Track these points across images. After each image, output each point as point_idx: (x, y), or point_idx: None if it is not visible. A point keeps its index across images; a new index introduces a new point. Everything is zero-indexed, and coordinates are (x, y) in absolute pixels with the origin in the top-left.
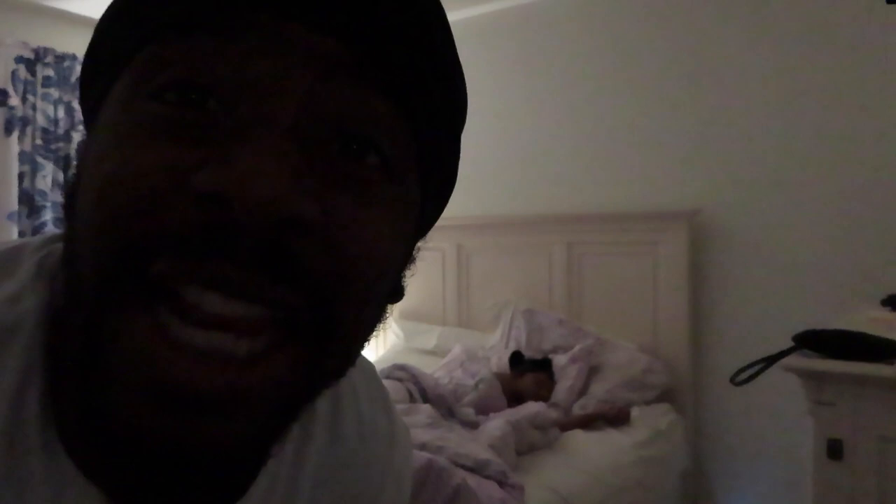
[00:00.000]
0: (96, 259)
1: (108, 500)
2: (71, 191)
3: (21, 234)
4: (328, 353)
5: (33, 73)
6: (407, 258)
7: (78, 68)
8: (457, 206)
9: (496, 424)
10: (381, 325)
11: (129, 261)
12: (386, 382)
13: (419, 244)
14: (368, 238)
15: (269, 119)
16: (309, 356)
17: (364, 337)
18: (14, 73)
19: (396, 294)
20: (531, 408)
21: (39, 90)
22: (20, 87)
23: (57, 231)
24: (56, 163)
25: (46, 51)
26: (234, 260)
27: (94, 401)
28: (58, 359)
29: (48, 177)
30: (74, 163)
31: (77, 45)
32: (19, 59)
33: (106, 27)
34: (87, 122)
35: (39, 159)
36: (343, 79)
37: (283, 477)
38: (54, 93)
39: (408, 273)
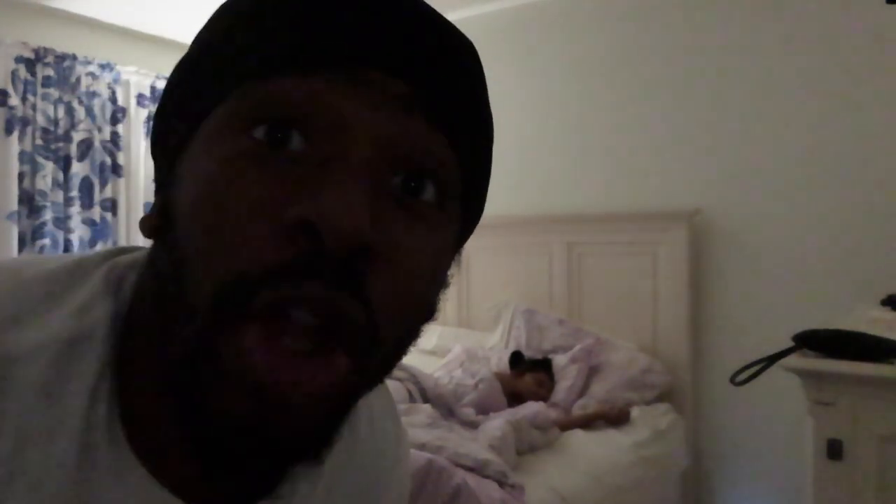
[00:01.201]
0: (210, 286)
1: (166, 491)
2: (162, 212)
3: (21, 234)
4: (374, 362)
5: (33, 73)
6: (445, 280)
7: (78, 68)
8: None
9: (496, 424)
10: (416, 341)
11: (241, 290)
12: (386, 382)
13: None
14: (419, 264)
15: (349, 154)
16: (360, 362)
17: (402, 350)
18: (14, 73)
19: (431, 314)
20: (531, 408)
21: (39, 90)
22: (20, 87)
23: (112, 247)
24: (56, 163)
25: (46, 51)
26: (322, 281)
27: (199, 398)
28: (128, 362)
29: (48, 177)
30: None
31: (77, 45)
32: (19, 59)
33: (192, 68)
34: (166, 155)
35: (39, 159)
36: (411, 118)
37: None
38: (54, 93)
39: (443, 295)
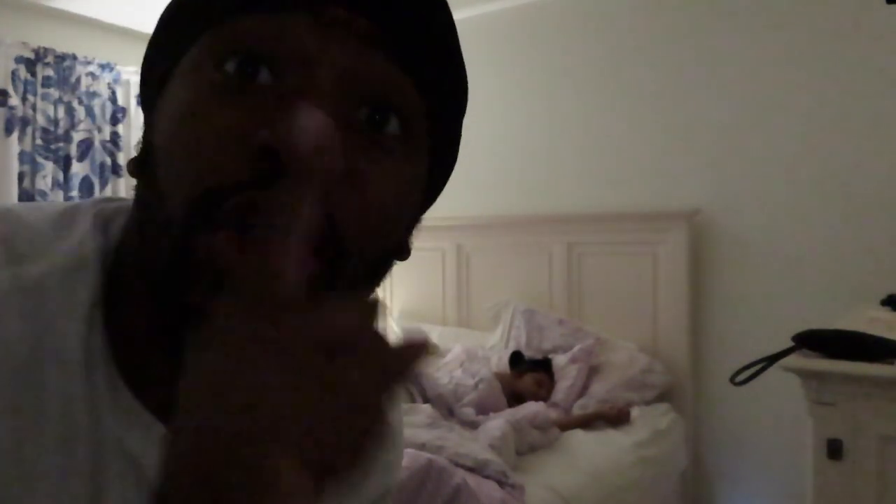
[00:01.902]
0: (183, 198)
1: (149, 414)
2: (144, 150)
3: None
4: (343, 274)
5: (33, 73)
6: (414, 220)
7: (78, 68)
8: (457, 206)
9: (496, 424)
10: (386, 275)
11: (210, 199)
12: None
13: (422, 220)
14: (383, 188)
15: (314, 86)
16: (328, 268)
17: (370, 277)
18: (14, 73)
19: (403, 251)
20: (531, 408)
21: (39, 90)
22: (20, 87)
23: (102, 196)
24: (56, 163)
25: (46, 51)
26: (285, 197)
27: (178, 300)
28: (116, 294)
29: (48, 177)
30: (143, 128)
31: (77, 45)
32: (19, 59)
33: (171, 16)
34: (149, 98)
35: (39, 159)
36: (374, 54)
37: None
38: (54, 93)
39: (414, 235)
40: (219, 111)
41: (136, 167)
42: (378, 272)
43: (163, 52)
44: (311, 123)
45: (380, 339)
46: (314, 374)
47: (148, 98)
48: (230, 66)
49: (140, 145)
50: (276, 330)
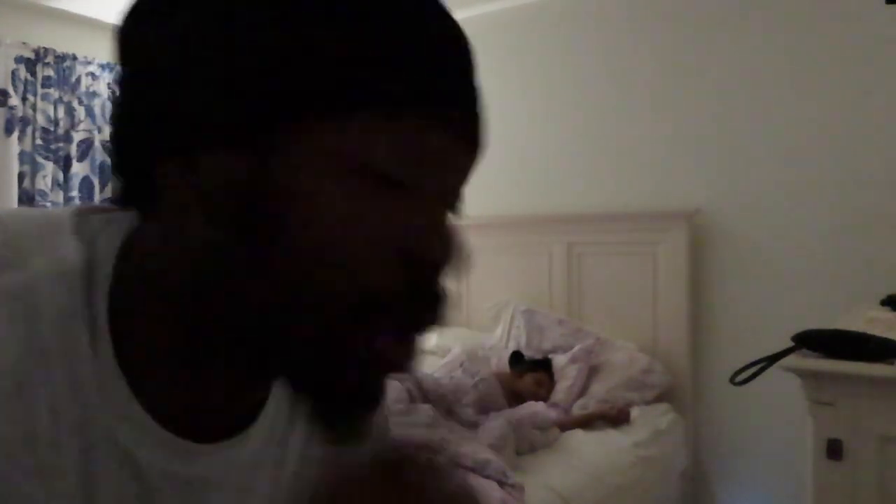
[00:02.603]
0: (337, 301)
1: (146, 413)
2: (242, 205)
3: None
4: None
5: (33, 73)
6: None
7: (78, 68)
8: None
9: (496, 424)
10: None
11: (363, 309)
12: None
13: None
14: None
15: (445, 195)
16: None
17: None
18: (14, 73)
19: None
20: (531, 408)
21: (39, 90)
22: (20, 87)
23: (81, 205)
24: (56, 163)
25: (46, 51)
26: (423, 304)
27: (313, 374)
28: (124, 310)
29: (48, 177)
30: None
31: (77, 45)
32: (19, 59)
33: (292, 62)
34: (246, 128)
35: (39, 159)
36: (475, 153)
37: (282, 411)
38: (54, 93)
39: None
40: (370, 217)
41: (221, 209)
42: None
43: (265, 97)
44: (452, 238)
45: None
46: None
47: (239, 137)
48: (375, 166)
49: (238, 196)
50: None
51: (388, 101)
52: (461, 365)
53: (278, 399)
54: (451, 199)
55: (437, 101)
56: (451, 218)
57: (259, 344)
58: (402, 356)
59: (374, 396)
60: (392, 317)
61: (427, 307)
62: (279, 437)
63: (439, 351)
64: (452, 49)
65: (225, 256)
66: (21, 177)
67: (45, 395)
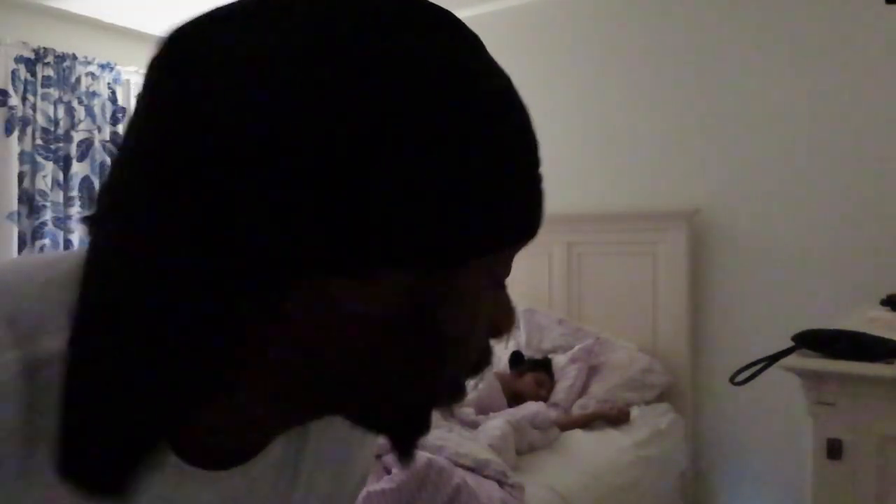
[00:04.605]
0: (449, 376)
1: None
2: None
3: (21, 234)
4: None
5: (33, 73)
6: None
7: (78, 68)
8: None
9: (496, 424)
10: None
11: (457, 380)
12: None
13: None
14: None
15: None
16: None
17: None
18: (14, 73)
19: None
20: (531, 408)
21: (39, 90)
22: (20, 87)
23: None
24: (56, 163)
25: (46, 51)
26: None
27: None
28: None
29: (48, 177)
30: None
31: (77, 45)
32: (19, 59)
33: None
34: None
35: (39, 159)
36: None
37: (293, 438)
38: (54, 93)
39: None
40: (487, 313)
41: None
42: None
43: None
44: (514, 311)
45: None
46: None
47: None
48: (498, 281)
49: (421, 313)
50: None
51: (514, 237)
52: None
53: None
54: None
55: (536, 224)
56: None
57: (377, 410)
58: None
59: (429, 424)
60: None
61: (487, 363)
62: (292, 461)
63: None
64: (537, 163)
65: (392, 358)
66: (21, 177)
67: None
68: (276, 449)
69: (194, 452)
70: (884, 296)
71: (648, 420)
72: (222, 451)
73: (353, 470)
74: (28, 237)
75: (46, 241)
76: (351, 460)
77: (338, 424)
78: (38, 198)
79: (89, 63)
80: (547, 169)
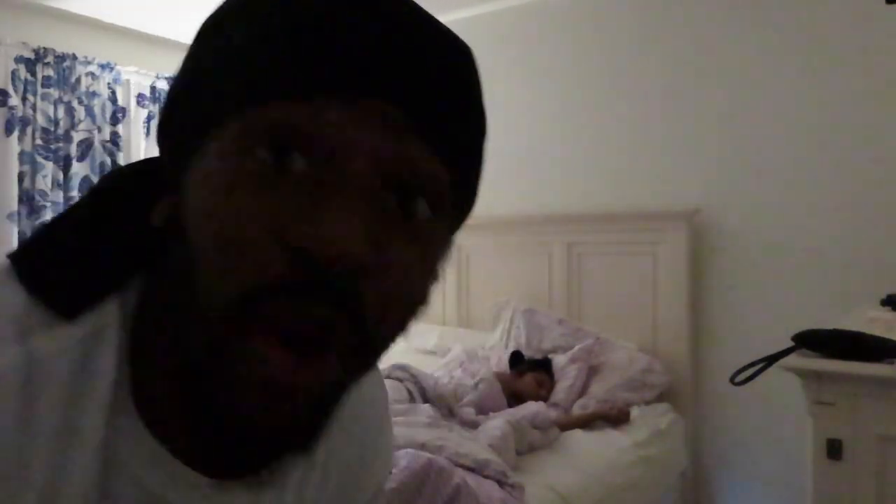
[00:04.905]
0: (221, 298)
1: (173, 457)
2: (173, 211)
3: (21, 234)
4: (364, 363)
5: (33, 73)
6: (437, 277)
7: (78, 68)
8: None
9: (496, 424)
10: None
11: (249, 302)
12: (386, 382)
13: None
14: (412, 275)
15: (348, 177)
16: (350, 364)
17: (390, 345)
18: (14, 73)
19: (423, 307)
20: (531, 408)
21: (39, 90)
22: (20, 87)
23: None
24: (56, 163)
25: (46, 51)
26: (323, 302)
27: (208, 395)
28: (138, 350)
29: (48, 177)
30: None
31: (77, 45)
32: (19, 59)
33: (204, 77)
34: (177, 150)
35: (39, 159)
36: (408, 142)
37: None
38: (54, 93)
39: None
40: (256, 204)
41: (163, 222)
42: (395, 341)
43: (188, 121)
44: (346, 223)
45: None
46: None
47: (172, 160)
48: (265, 155)
49: (169, 205)
50: None
51: (276, 88)
52: (461, 365)
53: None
54: (363, 191)
55: (331, 84)
56: (369, 214)
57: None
58: (299, 374)
59: (279, 429)
60: (276, 317)
61: (317, 305)
62: (301, 476)
63: (439, 351)
64: (353, 34)
65: (168, 276)
66: (21, 177)
67: (72, 447)
68: (288, 457)
69: (211, 465)
70: (884, 296)
71: (648, 420)
72: (233, 458)
73: (367, 480)
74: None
75: None
76: (363, 462)
77: (350, 438)
78: (38, 198)
79: (89, 63)
80: (548, 169)
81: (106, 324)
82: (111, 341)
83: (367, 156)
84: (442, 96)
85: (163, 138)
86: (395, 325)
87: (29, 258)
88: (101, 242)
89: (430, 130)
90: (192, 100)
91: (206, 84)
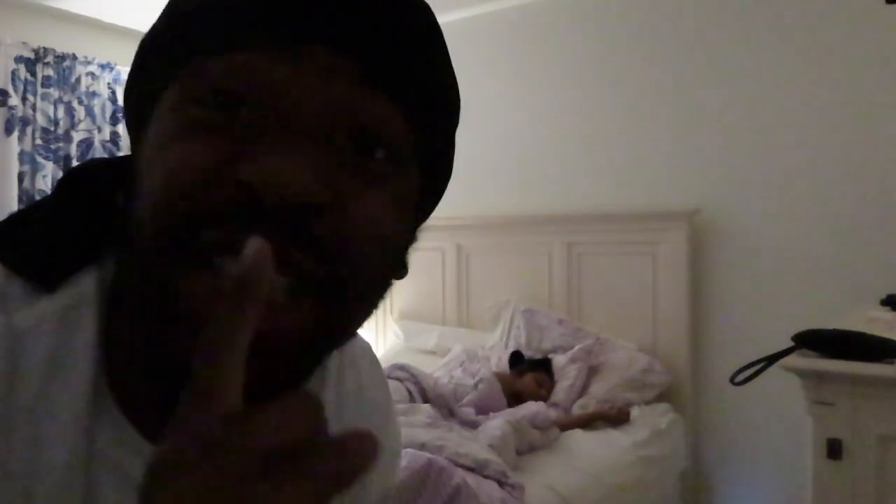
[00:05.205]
0: (159, 232)
1: (147, 440)
2: (129, 172)
3: None
4: (340, 309)
5: (33, 73)
6: (409, 239)
7: (78, 68)
8: (457, 206)
9: (496, 424)
10: (386, 295)
11: (185, 230)
12: (388, 382)
13: (420, 233)
14: (373, 213)
15: (291, 122)
16: (325, 310)
17: (370, 300)
18: (14, 73)
19: (401, 269)
20: (531, 408)
21: (39, 90)
22: (20, 87)
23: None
24: (56, 163)
25: (46, 51)
26: (264, 233)
27: (159, 342)
28: (111, 322)
29: (48, 177)
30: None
31: (77, 45)
32: (19, 59)
33: (151, 47)
34: (136, 126)
35: (39, 159)
36: (354, 88)
37: None
38: (54, 93)
39: (410, 253)
40: (200, 147)
41: (125, 197)
42: (377, 295)
43: (144, 84)
44: (289, 159)
45: (324, 445)
46: (251, 495)
47: (131, 129)
48: (210, 104)
49: (128, 172)
50: (215, 451)
51: (219, 38)
52: (461, 365)
53: None
54: (308, 136)
55: (275, 34)
56: (318, 157)
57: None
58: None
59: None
60: (213, 248)
61: (255, 229)
62: None
63: (439, 351)
64: None
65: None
66: (21, 177)
67: (51, 428)
68: None
69: None
70: (884, 296)
71: (648, 420)
72: None
73: (375, 480)
74: None
75: None
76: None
77: (346, 403)
78: (37, 197)
79: (89, 63)
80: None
81: (84, 296)
82: (90, 314)
83: (310, 101)
84: (390, 44)
85: (126, 113)
86: (372, 272)
87: (5, 235)
88: (75, 216)
89: (380, 79)
90: (146, 66)
91: (157, 47)
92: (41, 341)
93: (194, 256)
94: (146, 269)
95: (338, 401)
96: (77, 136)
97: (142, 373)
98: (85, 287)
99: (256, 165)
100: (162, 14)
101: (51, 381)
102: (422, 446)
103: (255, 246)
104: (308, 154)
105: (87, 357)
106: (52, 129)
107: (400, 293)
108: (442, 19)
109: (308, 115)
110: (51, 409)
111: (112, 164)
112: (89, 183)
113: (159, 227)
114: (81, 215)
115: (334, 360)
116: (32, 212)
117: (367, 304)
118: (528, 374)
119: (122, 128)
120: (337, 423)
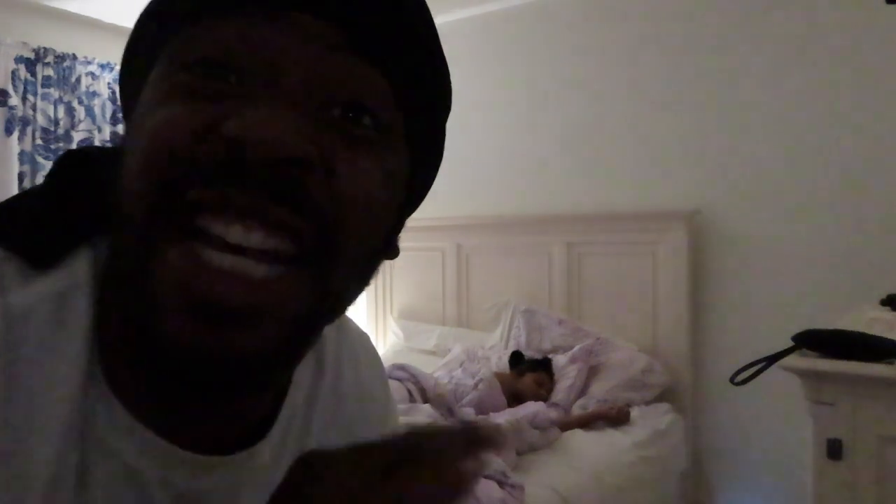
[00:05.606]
0: (142, 195)
1: (140, 424)
2: (120, 152)
3: None
4: (330, 278)
5: (33, 73)
6: (399, 218)
7: (78, 68)
8: (457, 206)
9: (496, 424)
10: (375, 274)
11: (168, 191)
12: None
13: (407, 221)
14: (362, 179)
15: (276, 86)
16: (314, 279)
17: (361, 271)
18: (14, 73)
19: (391, 250)
20: (531, 408)
21: (39, 90)
22: (20, 87)
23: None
24: None
25: (46, 51)
26: (250, 190)
27: (140, 319)
28: (103, 304)
29: None
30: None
31: (77, 45)
32: (19, 59)
33: (144, 22)
34: (129, 102)
35: (39, 159)
36: (339, 55)
37: (298, 416)
38: (54, 93)
39: (399, 237)
40: (186, 110)
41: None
42: (366, 271)
43: (139, 58)
44: (275, 115)
45: None
46: None
47: (125, 111)
48: (196, 70)
49: (120, 145)
50: None
51: (205, 5)
52: (461, 365)
53: (293, 408)
54: (294, 100)
55: (260, 1)
56: (306, 119)
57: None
58: (233, 283)
59: (221, 358)
60: (200, 210)
61: (248, 194)
62: (292, 449)
63: (439, 351)
64: None
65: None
66: (21, 177)
67: (42, 416)
68: (277, 437)
69: (192, 440)
70: (884, 296)
71: (648, 420)
72: (222, 438)
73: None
74: None
75: None
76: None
77: (344, 419)
78: None
79: (89, 63)
80: (547, 169)
81: (79, 276)
82: (84, 295)
83: (296, 72)
84: (375, 13)
85: (121, 96)
86: (362, 238)
87: (1, 216)
88: (70, 197)
89: (367, 48)
90: (137, 48)
91: (146, 25)
92: (38, 321)
93: (179, 219)
94: (130, 234)
95: (336, 395)
96: (77, 136)
97: (132, 353)
98: (79, 266)
99: (242, 122)
100: None
101: (45, 361)
102: None
103: (283, 112)
104: (292, 115)
105: (80, 337)
106: (53, 129)
107: (400, 293)
108: (444, 19)
109: (295, 81)
110: (45, 390)
111: (109, 150)
112: (85, 166)
113: (144, 188)
114: (76, 195)
115: (332, 353)
116: (29, 194)
117: (357, 274)
118: (528, 374)
119: (122, 128)
120: (335, 417)
